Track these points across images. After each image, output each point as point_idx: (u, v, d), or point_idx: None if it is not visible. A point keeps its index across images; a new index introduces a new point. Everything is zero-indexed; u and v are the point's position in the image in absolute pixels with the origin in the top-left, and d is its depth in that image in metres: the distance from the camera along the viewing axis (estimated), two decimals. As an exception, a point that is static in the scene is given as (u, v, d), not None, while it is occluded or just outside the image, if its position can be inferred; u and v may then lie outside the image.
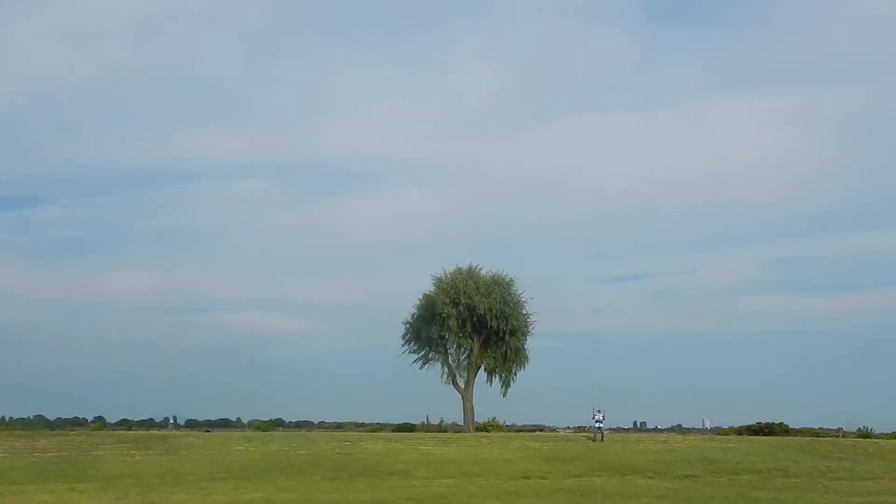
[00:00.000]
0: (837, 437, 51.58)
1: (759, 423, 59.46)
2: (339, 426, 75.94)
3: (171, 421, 65.49)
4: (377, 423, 68.84)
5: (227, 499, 17.56)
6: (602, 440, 36.38)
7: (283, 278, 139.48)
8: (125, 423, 73.76)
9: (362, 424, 71.98)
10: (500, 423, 57.17)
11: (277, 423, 75.44)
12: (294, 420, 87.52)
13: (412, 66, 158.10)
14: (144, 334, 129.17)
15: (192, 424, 75.49)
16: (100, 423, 71.00)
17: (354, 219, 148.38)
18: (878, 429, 56.18)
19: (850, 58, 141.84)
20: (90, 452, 29.06)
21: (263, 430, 54.16)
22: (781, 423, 58.70)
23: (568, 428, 64.45)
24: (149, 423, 75.82)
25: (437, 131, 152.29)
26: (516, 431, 54.08)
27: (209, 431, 51.96)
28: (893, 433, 54.30)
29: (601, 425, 37.24)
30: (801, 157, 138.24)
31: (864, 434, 54.09)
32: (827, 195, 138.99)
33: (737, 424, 62.88)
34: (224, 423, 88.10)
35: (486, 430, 49.77)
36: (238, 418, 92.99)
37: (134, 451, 30.12)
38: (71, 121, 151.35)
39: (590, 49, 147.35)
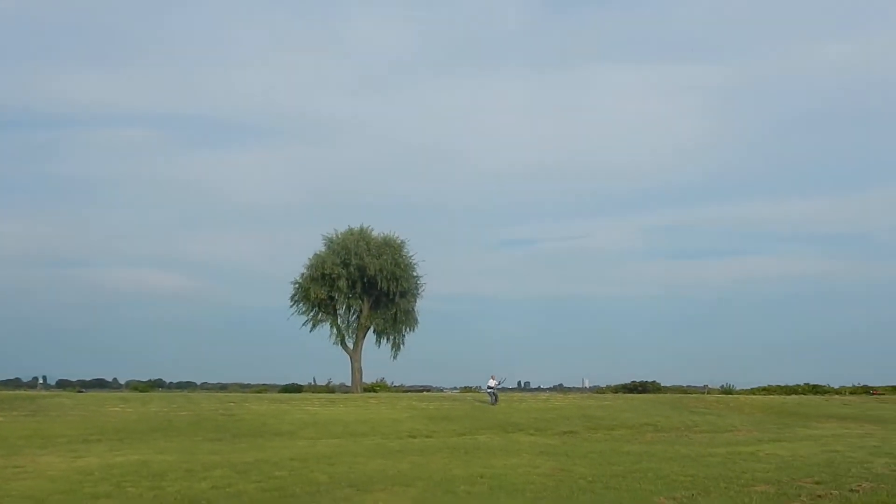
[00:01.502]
0: (703, 393, 55.46)
1: (634, 381, 63.14)
2: (222, 387, 74.34)
3: (41, 381, 61.87)
4: (263, 385, 67.86)
5: (100, 461, 16.69)
6: (495, 403, 36.74)
7: (167, 233, 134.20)
8: (-13, 384, 69.15)
9: (247, 385, 70.73)
10: (388, 383, 57.71)
11: (157, 384, 72.98)
12: (175, 381, 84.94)
13: (307, 21, 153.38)
14: (13, 288, 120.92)
15: (63, 385, 71.83)
16: (-42, 384, 66.27)
17: (245, 174, 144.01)
18: (738, 385, 60.96)
19: (727, 35, 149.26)
20: (-54, 415, 26.98)
21: (142, 391, 52.20)
22: (654, 382, 62.57)
23: (455, 388, 65.92)
24: (15, 383, 71.51)
25: (331, 88, 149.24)
26: (404, 392, 54.73)
27: (82, 392, 49.57)
28: (752, 389, 58.89)
29: (492, 390, 37.65)
30: (679, 129, 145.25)
31: (727, 390, 58.46)
32: (700, 166, 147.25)
33: (614, 383, 66.61)
34: (99, 384, 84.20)
35: (374, 391, 50.09)
36: (115, 379, 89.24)
37: (-4, 414, 28.22)
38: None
39: (481, 10, 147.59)
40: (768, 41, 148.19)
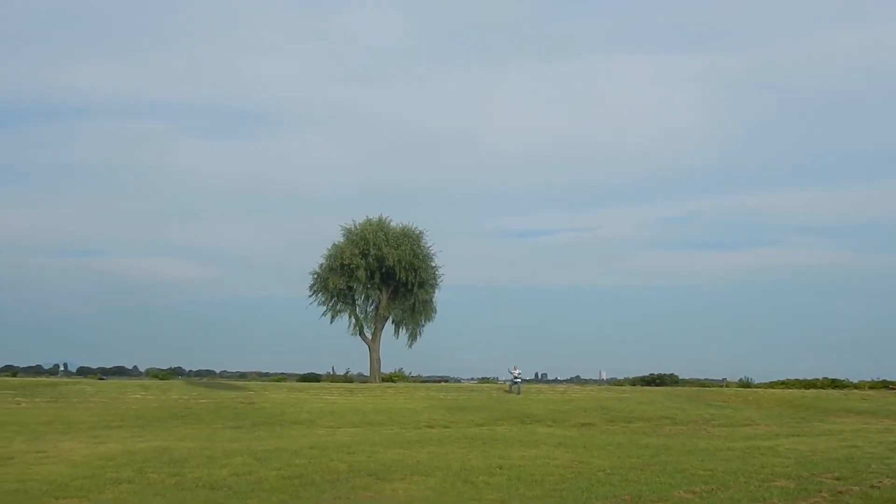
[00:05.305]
0: (721, 386, 55.08)
1: (652, 374, 62.89)
2: (241, 376, 74.90)
3: (62, 368, 62.69)
4: (281, 374, 68.30)
5: (122, 447, 16.93)
6: (519, 393, 37.06)
7: (185, 223, 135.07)
8: (9, 370, 70.25)
9: (266, 374, 71.23)
10: (406, 374, 57.83)
11: (177, 372, 73.73)
12: (195, 369, 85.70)
13: (321, 9, 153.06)
14: (33, 277, 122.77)
15: (84, 372, 72.71)
16: (-18, 370, 67.36)
17: (263, 164, 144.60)
18: (757, 379, 60.45)
19: (734, 24, 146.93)
20: (-29, 400, 27.45)
21: (162, 379, 52.74)
22: (672, 374, 62.23)
23: (472, 379, 66.02)
24: (36, 370, 72.55)
25: (335, 77, 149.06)
26: (422, 382, 54.85)
27: (103, 379, 50.20)
28: (770, 383, 58.41)
29: (519, 379, 38.08)
30: (686, 118, 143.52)
31: (745, 384, 58.01)
32: (708, 156, 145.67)
33: (631, 375, 66.44)
34: (119, 371, 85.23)
35: (392, 381, 50.21)
36: (135, 366, 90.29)
37: (20, 398, 28.69)
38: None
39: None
40: (776, 31, 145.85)
